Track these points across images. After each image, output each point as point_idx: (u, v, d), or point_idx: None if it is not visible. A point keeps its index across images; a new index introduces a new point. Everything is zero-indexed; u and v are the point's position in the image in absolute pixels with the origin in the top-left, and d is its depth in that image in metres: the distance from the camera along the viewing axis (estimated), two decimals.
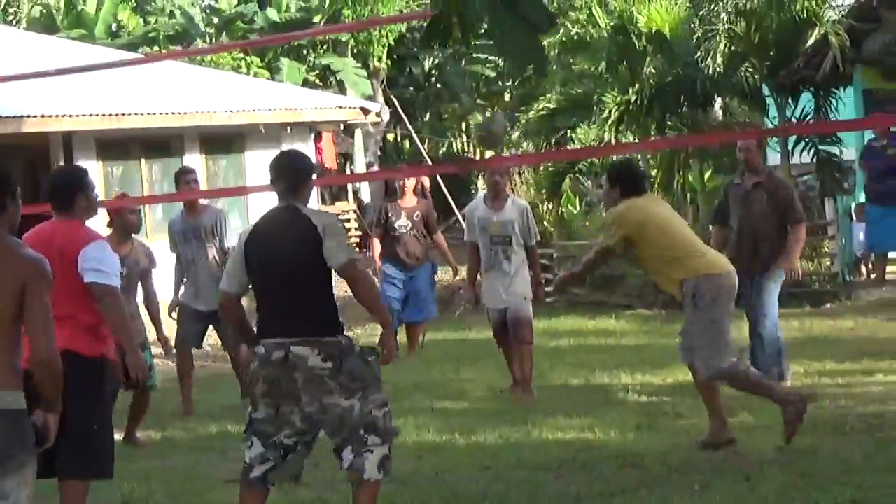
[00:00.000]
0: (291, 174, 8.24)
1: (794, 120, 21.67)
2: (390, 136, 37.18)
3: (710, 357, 9.93)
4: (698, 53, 21.35)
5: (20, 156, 23.02)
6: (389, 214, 16.05)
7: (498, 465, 10.12)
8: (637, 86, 22.26)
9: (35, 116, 21.94)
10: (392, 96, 33.91)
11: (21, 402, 5.97)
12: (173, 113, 23.59)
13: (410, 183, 16.09)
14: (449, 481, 9.84)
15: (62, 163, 22.92)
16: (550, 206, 26.59)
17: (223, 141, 25.39)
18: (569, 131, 27.80)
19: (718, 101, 24.02)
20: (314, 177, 8.92)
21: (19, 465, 5.82)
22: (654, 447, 10.54)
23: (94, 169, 21.15)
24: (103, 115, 22.68)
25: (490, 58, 36.62)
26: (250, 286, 8.11)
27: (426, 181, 18.81)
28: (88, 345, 8.60)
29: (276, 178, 8.20)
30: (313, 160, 25.92)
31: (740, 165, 13.10)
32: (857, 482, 8.66)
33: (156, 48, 34.61)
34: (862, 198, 20.74)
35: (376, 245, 16.20)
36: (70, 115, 22.29)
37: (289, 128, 25.84)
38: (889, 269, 20.73)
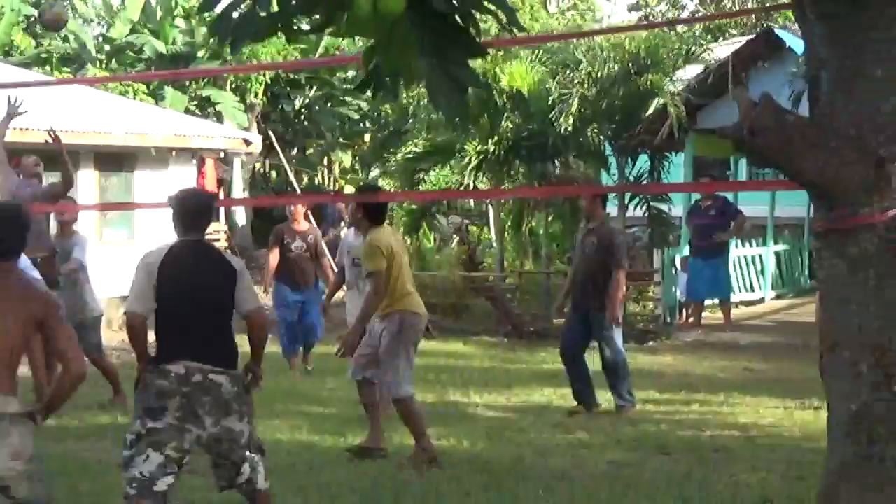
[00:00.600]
0: (202, 212, 8.37)
1: (631, 178, 22.33)
2: (258, 165, 37.29)
3: (395, 382, 10.38)
4: (552, 113, 21.32)
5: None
6: (285, 237, 16.09)
7: (364, 464, 10.38)
8: (496, 138, 22.24)
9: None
10: (267, 129, 33.99)
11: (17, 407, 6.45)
12: (71, 131, 22.16)
13: (301, 209, 16.20)
14: (322, 474, 10.20)
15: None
16: (409, 240, 26.17)
17: (115, 160, 24.99)
18: (425, 174, 27.67)
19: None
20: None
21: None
22: (502, 455, 10.86)
23: None
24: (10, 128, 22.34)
25: (353, 101, 36.70)
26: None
27: (344, 208, 19.26)
28: None
29: (183, 214, 8.18)
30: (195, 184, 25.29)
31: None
32: (678, 493, 9.14)
33: (48, 69, 34.03)
34: (686, 251, 21.18)
35: (271, 264, 16.23)
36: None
37: (174, 152, 25.63)
38: (704, 314, 21.15)
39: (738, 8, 44.54)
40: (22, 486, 6.43)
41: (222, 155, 29.98)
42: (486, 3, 5.29)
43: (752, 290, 23.93)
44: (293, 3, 5.18)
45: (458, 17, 5.19)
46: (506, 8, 5.30)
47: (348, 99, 36.30)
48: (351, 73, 34.76)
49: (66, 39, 37.03)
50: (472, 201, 29.76)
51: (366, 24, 5.04)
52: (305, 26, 5.52)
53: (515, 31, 6.73)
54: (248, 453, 7.81)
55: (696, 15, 46.34)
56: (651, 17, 49.50)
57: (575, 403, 13.32)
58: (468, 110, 6.21)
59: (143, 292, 7.84)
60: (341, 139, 37.49)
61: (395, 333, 10.53)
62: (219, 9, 5.31)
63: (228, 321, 7.98)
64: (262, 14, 5.15)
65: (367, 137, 38.35)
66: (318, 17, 5.33)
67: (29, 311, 6.44)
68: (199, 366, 7.68)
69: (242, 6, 5.31)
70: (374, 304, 10.49)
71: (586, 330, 13.19)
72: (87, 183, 24.04)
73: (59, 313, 6.64)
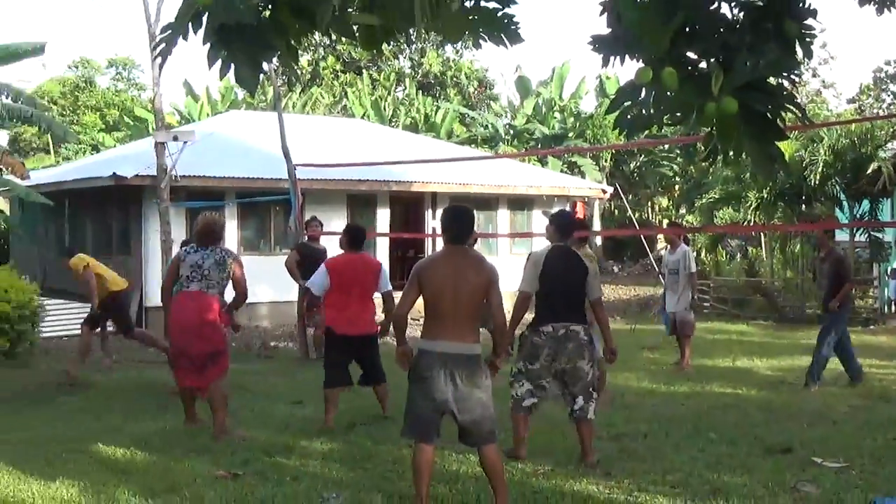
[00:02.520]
0: (571, 225, 8.64)
1: (858, 216, 22.98)
2: (608, 205, 37.00)
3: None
4: (804, 172, 22.17)
5: (405, 203, 25.26)
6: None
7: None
8: (768, 188, 22.87)
9: (417, 182, 23.53)
10: (614, 182, 33.90)
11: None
12: (494, 184, 25.18)
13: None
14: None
15: (428, 211, 25.01)
16: (709, 256, 27.72)
17: (520, 203, 26.42)
18: (718, 212, 28.42)
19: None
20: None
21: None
22: (779, 399, 11.57)
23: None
24: (454, 183, 24.00)
25: (669, 163, 36.55)
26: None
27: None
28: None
29: (558, 226, 8.40)
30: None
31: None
32: None
33: (473, 146, 35.32)
34: (895, 264, 22.45)
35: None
36: (435, 182, 23.74)
37: (556, 198, 26.73)
38: None
39: None
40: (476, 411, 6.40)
41: (586, 199, 30.53)
42: (787, 105, 5.25)
43: None
44: (661, 108, 5.40)
45: (770, 115, 5.41)
46: (800, 107, 5.26)
47: (665, 162, 35.93)
48: (667, 147, 33.86)
49: (486, 127, 38.33)
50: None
51: (711, 120, 5.23)
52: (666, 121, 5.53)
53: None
54: (589, 388, 8.00)
55: (893, 111, 47.99)
56: (864, 109, 50.43)
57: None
58: (775, 174, 5.03)
59: (530, 277, 8.09)
60: (660, 189, 37.22)
61: None
62: (617, 113, 5.33)
63: (583, 298, 8.14)
64: (643, 115, 5.33)
65: (677, 188, 37.59)
66: (678, 115, 5.47)
67: (484, 276, 6.50)
68: (565, 323, 7.96)
69: (633, 110, 5.49)
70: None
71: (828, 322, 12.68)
72: (503, 218, 26.13)
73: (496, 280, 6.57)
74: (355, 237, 10.03)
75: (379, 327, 9.85)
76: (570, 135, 36.46)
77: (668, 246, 15.02)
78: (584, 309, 8.12)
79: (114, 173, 19.67)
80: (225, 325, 9.21)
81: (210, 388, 8.91)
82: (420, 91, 45.37)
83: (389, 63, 48.41)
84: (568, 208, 27.04)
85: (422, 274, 6.48)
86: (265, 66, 5.08)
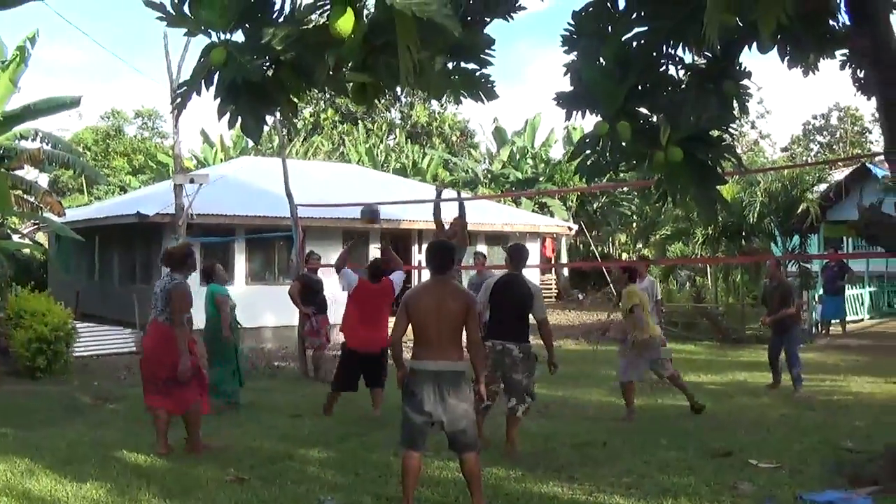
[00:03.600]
0: (521, 258, 8.72)
1: (789, 250, 22.46)
2: (573, 241, 36.02)
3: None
4: (744, 211, 21.83)
5: (394, 239, 23.41)
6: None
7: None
8: (712, 226, 22.12)
9: (405, 220, 23.26)
10: (579, 221, 33.95)
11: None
12: (473, 222, 21.96)
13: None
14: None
15: (415, 245, 24.58)
16: (663, 285, 25.88)
17: (496, 238, 25.99)
18: (670, 247, 28.26)
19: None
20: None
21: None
22: (721, 408, 11.46)
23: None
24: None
25: (627, 204, 35.85)
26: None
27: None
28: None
29: (511, 258, 8.72)
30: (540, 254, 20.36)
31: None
32: (822, 431, 9.48)
33: (455, 188, 30.58)
34: (821, 291, 22.46)
35: None
36: (420, 220, 23.08)
37: (528, 234, 26.36)
38: (831, 329, 22.28)
39: (848, 153, 46.35)
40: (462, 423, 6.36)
41: (554, 235, 30.51)
42: (726, 154, 5.53)
43: (858, 313, 24.79)
44: (616, 156, 5.65)
45: (711, 162, 5.55)
46: (737, 156, 5.58)
47: (624, 203, 35.38)
48: (626, 189, 33.25)
49: (467, 172, 38.00)
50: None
51: (660, 167, 5.34)
52: (621, 168, 5.86)
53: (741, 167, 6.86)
54: (520, 393, 8.33)
55: (819, 158, 47.97)
56: (795, 157, 51.05)
57: (768, 381, 13.39)
58: (716, 215, 5.74)
59: (482, 300, 8.43)
60: (620, 226, 36.70)
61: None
62: (578, 160, 5.68)
63: (525, 319, 8.39)
64: (601, 163, 5.63)
65: (634, 225, 36.77)
66: (632, 163, 5.79)
67: (461, 302, 6.49)
68: (502, 341, 8.33)
69: (592, 157, 5.63)
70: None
71: (781, 341, 13.07)
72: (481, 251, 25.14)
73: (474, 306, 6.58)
74: (373, 273, 10.42)
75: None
76: (541, 179, 36.30)
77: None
78: (525, 329, 8.32)
79: (137, 212, 19.78)
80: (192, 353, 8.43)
81: (188, 410, 8.42)
82: (409, 140, 45.26)
83: (382, 115, 48.17)
84: (538, 244, 27.59)
85: (409, 304, 6.49)
86: (269, 118, 5.09)
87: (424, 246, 19.32)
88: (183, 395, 8.30)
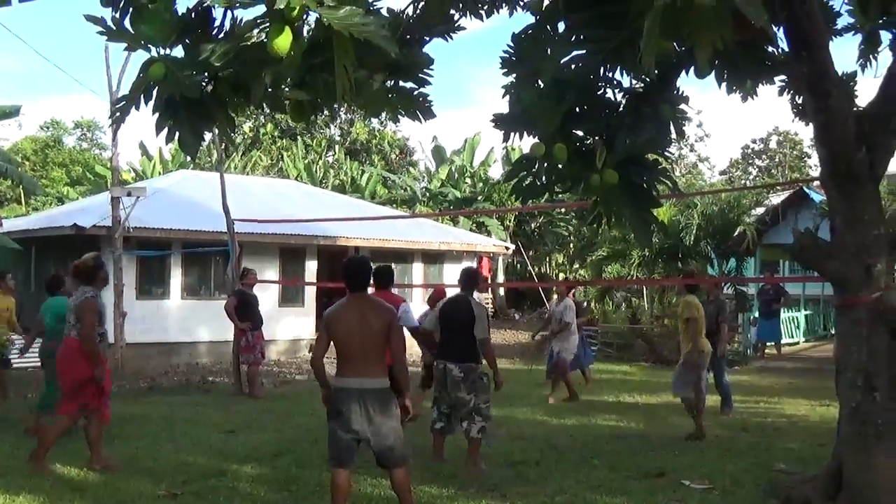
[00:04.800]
0: (471, 281, 8.94)
1: (726, 272, 22.74)
2: (511, 261, 35.62)
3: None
4: (681, 234, 21.84)
5: (331, 255, 23.82)
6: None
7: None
8: (648, 249, 21.58)
9: (342, 237, 22.92)
10: (516, 241, 33.76)
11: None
12: (410, 240, 24.73)
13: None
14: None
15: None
16: (599, 306, 26.70)
17: (433, 258, 26.04)
18: (607, 267, 27.58)
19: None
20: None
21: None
22: (655, 428, 11.59)
23: None
24: (375, 238, 23.52)
25: (565, 225, 35.80)
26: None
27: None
28: None
29: (462, 281, 8.88)
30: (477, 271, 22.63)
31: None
32: (755, 453, 9.47)
33: (393, 206, 34.54)
34: (756, 314, 22.68)
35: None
36: (358, 237, 23.15)
37: (465, 254, 26.40)
38: (766, 350, 22.61)
39: (786, 177, 46.88)
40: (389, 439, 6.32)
41: (491, 255, 30.20)
42: (661, 177, 5.60)
43: (793, 336, 24.88)
44: (553, 178, 5.65)
45: (646, 185, 5.60)
46: (672, 179, 5.67)
47: (561, 223, 35.46)
48: (564, 210, 32.66)
49: (405, 190, 37.94)
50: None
51: (596, 189, 5.37)
52: (557, 189, 5.87)
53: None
54: (469, 413, 8.47)
55: (757, 182, 48.51)
56: (733, 180, 51.65)
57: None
58: (651, 237, 5.42)
59: (431, 320, 8.94)
60: (557, 246, 36.69)
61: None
62: (515, 181, 5.70)
63: (471, 339, 8.45)
64: (537, 184, 5.63)
65: (571, 246, 36.73)
66: (568, 184, 5.80)
67: (383, 318, 6.40)
68: (444, 361, 8.52)
69: (528, 179, 5.63)
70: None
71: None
72: (418, 271, 25.71)
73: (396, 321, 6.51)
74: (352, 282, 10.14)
75: None
76: (480, 198, 36.29)
77: (556, 297, 15.33)
78: (469, 349, 8.39)
79: (74, 224, 19.48)
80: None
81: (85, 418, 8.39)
82: (348, 156, 45.20)
83: (321, 131, 48.12)
84: (475, 263, 27.24)
85: (329, 321, 6.40)
86: (207, 134, 5.09)
87: None
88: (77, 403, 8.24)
